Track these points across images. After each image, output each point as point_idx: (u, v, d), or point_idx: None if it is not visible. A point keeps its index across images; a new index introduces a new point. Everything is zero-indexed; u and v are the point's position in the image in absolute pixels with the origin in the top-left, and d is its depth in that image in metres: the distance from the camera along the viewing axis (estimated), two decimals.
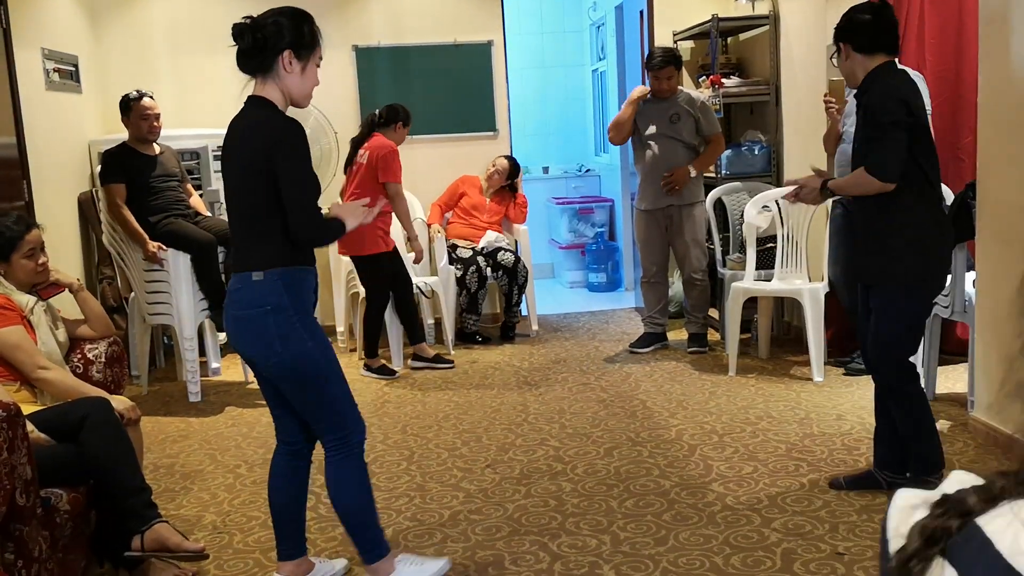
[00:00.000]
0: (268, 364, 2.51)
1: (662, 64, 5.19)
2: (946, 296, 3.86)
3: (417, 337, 5.30)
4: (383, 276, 5.14)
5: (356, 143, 5.19)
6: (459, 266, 5.79)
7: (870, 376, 3.30)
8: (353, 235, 4.95)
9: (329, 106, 5.94)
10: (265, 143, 2.44)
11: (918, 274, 3.02)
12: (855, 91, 3.14)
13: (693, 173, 5.22)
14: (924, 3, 4.59)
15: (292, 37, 2.47)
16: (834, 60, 3.18)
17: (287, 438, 2.69)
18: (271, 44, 2.45)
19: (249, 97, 2.54)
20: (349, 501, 2.62)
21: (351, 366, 5.44)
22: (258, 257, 2.47)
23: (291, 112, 2.55)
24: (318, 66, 2.55)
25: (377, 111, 5.25)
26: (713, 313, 5.66)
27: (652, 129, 5.29)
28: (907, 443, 3.14)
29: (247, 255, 2.50)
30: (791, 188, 3.30)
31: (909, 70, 4.31)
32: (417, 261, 5.28)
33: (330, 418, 2.56)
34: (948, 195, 4.00)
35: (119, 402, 2.96)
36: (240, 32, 2.46)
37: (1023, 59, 3.29)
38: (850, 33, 3.09)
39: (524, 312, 6.12)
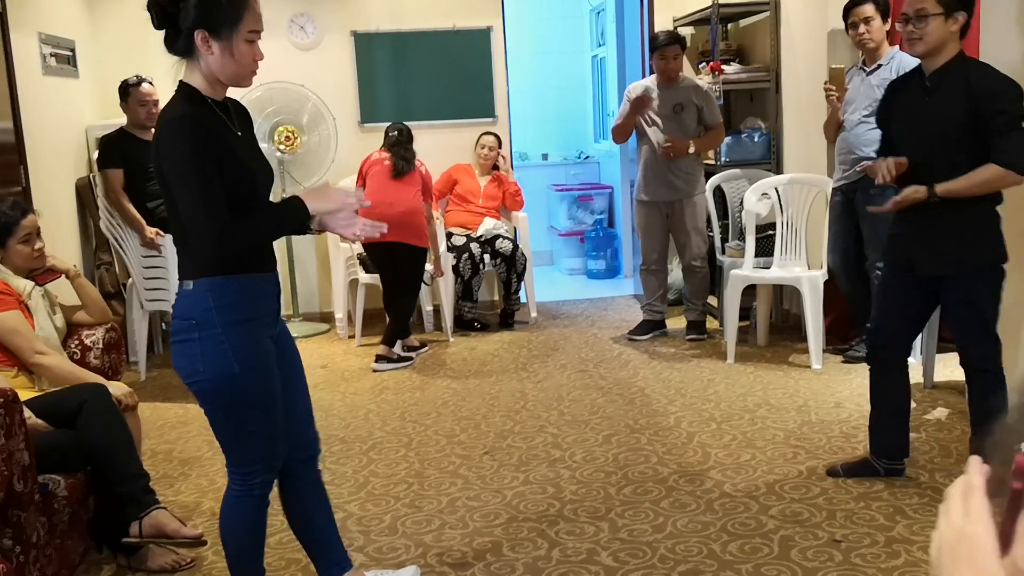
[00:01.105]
0: (191, 383, 2.27)
1: (668, 42, 5.16)
2: None
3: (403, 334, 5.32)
4: (423, 270, 5.29)
5: (411, 157, 5.19)
6: (453, 254, 5.79)
7: (867, 363, 3.28)
8: (415, 226, 5.07)
9: (327, 92, 5.92)
10: (156, 143, 2.17)
11: (998, 254, 2.97)
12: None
13: (692, 149, 5.17)
14: None
15: (203, 13, 2.11)
16: (924, 24, 2.81)
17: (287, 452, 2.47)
18: (181, 23, 2.12)
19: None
20: (235, 543, 2.39)
21: (350, 353, 5.45)
22: (188, 265, 2.22)
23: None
24: (251, 41, 2.16)
25: (398, 130, 5.23)
26: (712, 301, 5.66)
27: (655, 119, 5.25)
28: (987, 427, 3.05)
29: (181, 262, 2.27)
30: (892, 203, 2.97)
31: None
32: (439, 275, 5.50)
33: (238, 452, 2.31)
34: None
35: (117, 388, 2.96)
36: (148, 9, 2.15)
37: None
38: (970, 5, 2.85)
39: (523, 299, 6.12)
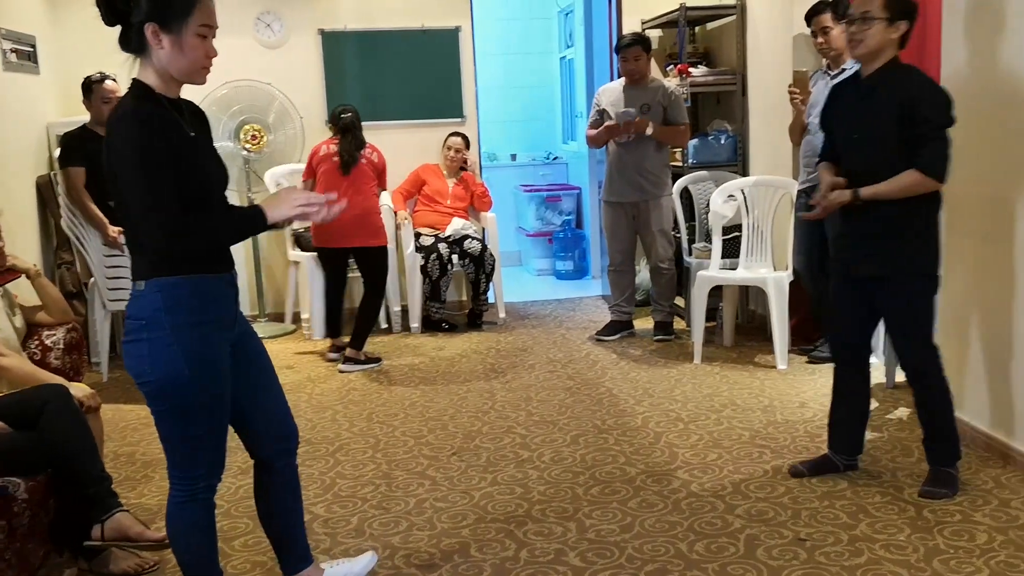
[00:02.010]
0: (139, 384, 2.20)
1: (629, 43, 5.20)
2: None
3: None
4: (386, 267, 5.23)
5: (360, 144, 5.11)
6: (421, 254, 5.77)
7: (832, 363, 3.32)
8: (371, 226, 5.03)
9: (295, 91, 5.88)
10: (107, 140, 2.12)
11: (936, 262, 3.03)
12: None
13: (650, 131, 5.16)
14: None
15: (153, 6, 2.09)
16: (867, 26, 2.88)
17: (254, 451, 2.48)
18: (133, 18, 2.10)
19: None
20: (184, 548, 2.33)
21: (317, 353, 5.41)
22: (140, 265, 2.18)
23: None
24: (205, 36, 2.14)
25: (351, 113, 5.13)
26: (679, 301, 5.70)
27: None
28: (936, 429, 3.10)
29: (133, 262, 2.21)
30: (818, 209, 3.08)
31: None
32: None
33: (182, 457, 2.26)
34: None
35: (78, 389, 2.92)
36: (96, 5, 2.13)
37: (984, 50, 3.33)
38: (913, 13, 2.90)
39: (491, 300, 6.12)
